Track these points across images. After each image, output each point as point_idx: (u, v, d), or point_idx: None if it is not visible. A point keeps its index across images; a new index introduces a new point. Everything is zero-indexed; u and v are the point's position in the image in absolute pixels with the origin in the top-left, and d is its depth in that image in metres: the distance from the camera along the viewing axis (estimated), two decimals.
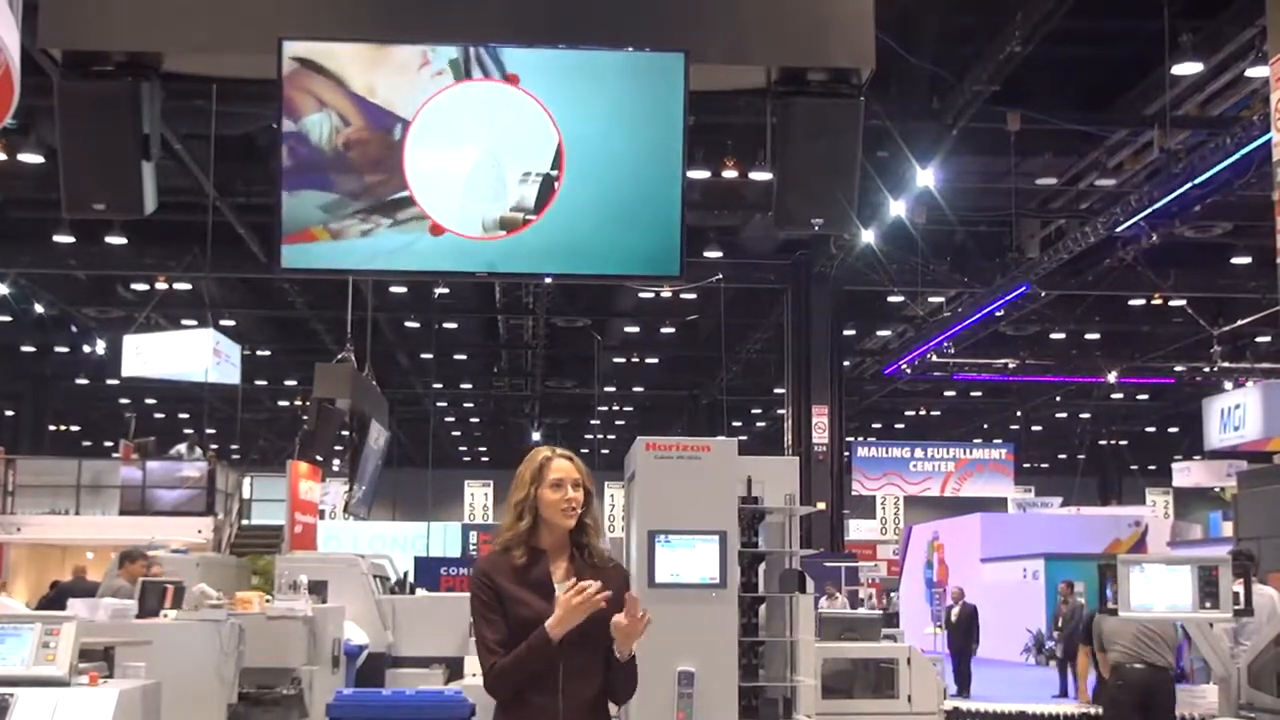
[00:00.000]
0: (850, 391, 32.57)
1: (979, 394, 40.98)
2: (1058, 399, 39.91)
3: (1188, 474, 33.74)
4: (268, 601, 10.35)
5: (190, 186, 18.88)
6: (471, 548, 37.46)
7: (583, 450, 46.06)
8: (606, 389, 38.59)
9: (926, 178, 18.65)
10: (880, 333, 33.52)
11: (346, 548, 21.00)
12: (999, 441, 41.82)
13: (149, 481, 22.09)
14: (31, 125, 17.64)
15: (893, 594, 32.73)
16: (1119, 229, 20.33)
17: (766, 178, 8.95)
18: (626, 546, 8.35)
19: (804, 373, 26.46)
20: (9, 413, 41.10)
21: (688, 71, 6.36)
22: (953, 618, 20.75)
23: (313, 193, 6.29)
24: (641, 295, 29.06)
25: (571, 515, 3.77)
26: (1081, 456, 45.28)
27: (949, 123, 17.61)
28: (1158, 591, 6.80)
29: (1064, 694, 19.26)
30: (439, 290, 27.46)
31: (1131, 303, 28.90)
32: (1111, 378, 33.58)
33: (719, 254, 24.53)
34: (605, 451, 40.54)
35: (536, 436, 42.46)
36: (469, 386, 41.87)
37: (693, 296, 28.08)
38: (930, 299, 27.36)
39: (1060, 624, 20.67)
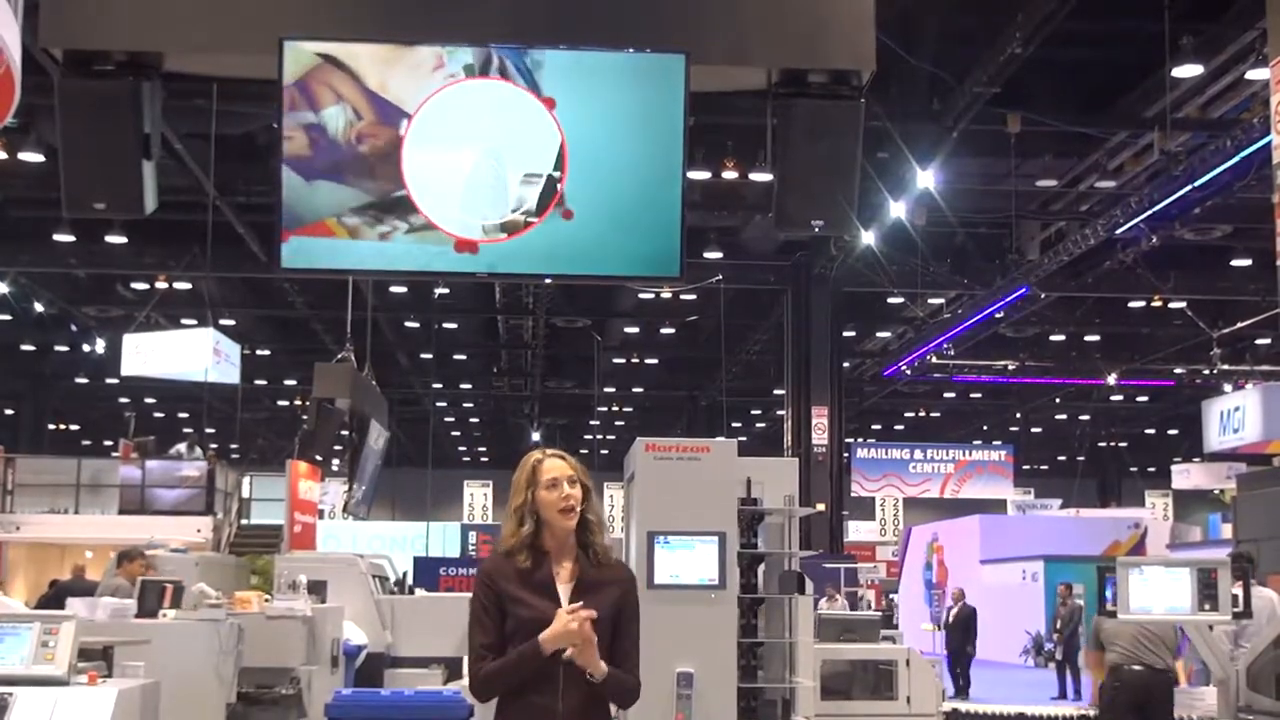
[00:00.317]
0: (850, 393, 32.59)
1: (979, 395, 40.99)
2: (1057, 401, 39.92)
3: (1187, 476, 33.72)
4: (267, 601, 10.35)
5: (190, 186, 18.89)
6: (471, 548, 37.45)
7: (582, 451, 46.21)
8: (606, 389, 38.60)
9: (927, 179, 18.66)
10: (880, 334, 33.53)
11: (346, 548, 20.99)
12: (998, 443, 41.84)
13: (148, 481, 22.09)
14: (32, 124, 17.64)
15: (892, 595, 32.73)
16: (1119, 231, 20.34)
17: (767, 179, 8.96)
18: (626, 547, 8.35)
19: (804, 374, 26.46)
20: (9, 411, 41.13)
21: (688, 72, 6.36)
22: (951, 618, 20.76)
23: (328, 183, 6.33)
24: (641, 296, 29.07)
25: (571, 514, 3.76)
26: (1081, 458, 45.26)
27: (949, 124, 17.62)
28: (1157, 593, 6.81)
29: (1063, 695, 19.27)
30: (439, 290, 27.47)
31: (1131, 305, 28.92)
32: (1111, 380, 33.59)
33: (719, 255, 24.54)
34: (605, 452, 40.53)
35: (536, 437, 42.46)
36: (469, 386, 41.88)
37: (693, 297, 28.09)
38: (930, 300, 27.37)
39: (1059, 626, 20.68)
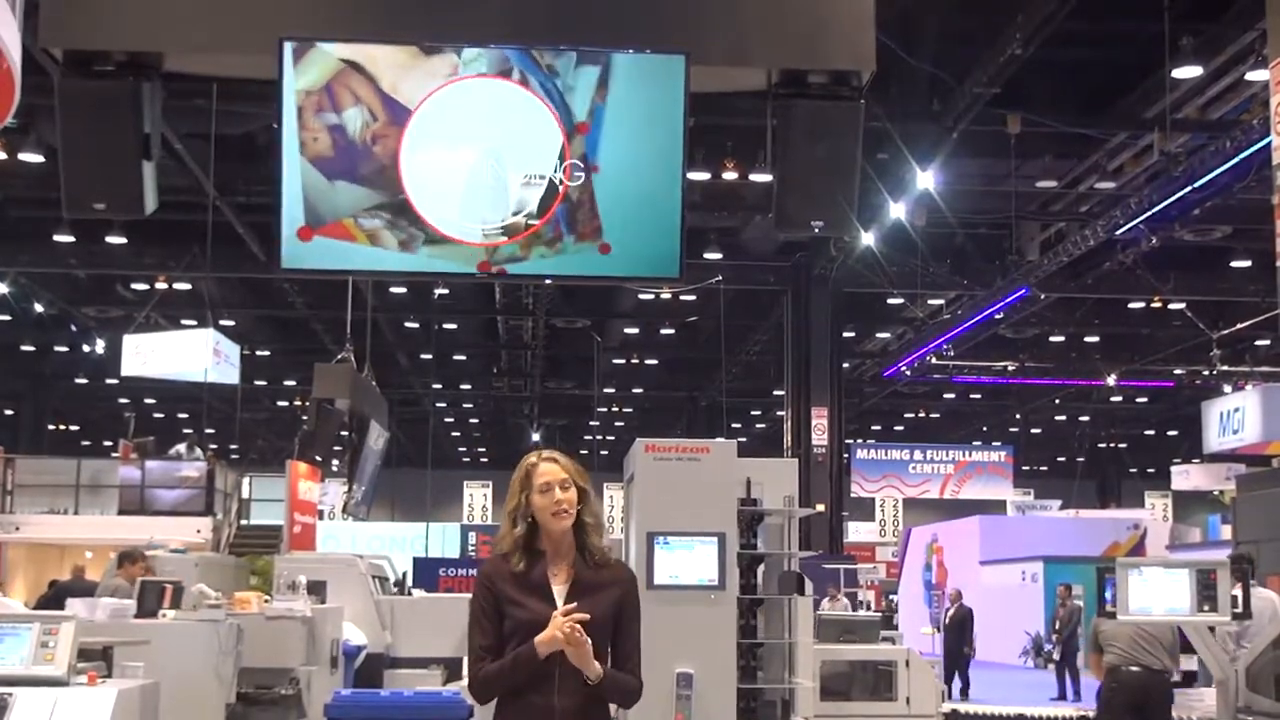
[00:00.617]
0: (850, 393, 32.56)
1: (978, 396, 40.98)
2: (1057, 402, 39.90)
3: (1187, 477, 33.72)
4: (266, 602, 10.35)
5: (190, 186, 18.88)
6: (470, 548, 37.48)
7: (582, 451, 46.25)
8: (606, 390, 38.58)
9: (926, 180, 18.65)
10: (880, 335, 33.52)
11: (345, 548, 20.99)
12: (998, 444, 41.82)
13: (148, 481, 22.08)
14: (32, 124, 17.63)
15: (892, 596, 32.72)
16: (1119, 232, 20.33)
17: (767, 179, 8.96)
18: (626, 548, 8.36)
19: (803, 374, 26.45)
20: (8, 412, 41.13)
21: (688, 73, 6.37)
22: (948, 620, 20.75)
23: (346, 184, 6.37)
24: (641, 296, 29.06)
25: (564, 517, 3.76)
26: (1080, 459, 45.24)
27: (949, 125, 17.61)
28: (1156, 594, 6.81)
29: (1062, 697, 19.27)
30: (438, 291, 27.47)
31: (1131, 306, 28.91)
32: (1111, 381, 33.58)
33: (719, 255, 24.54)
34: (604, 453, 40.51)
35: (536, 437, 42.46)
36: (468, 387, 41.87)
37: (692, 298, 28.08)
38: (930, 301, 27.36)
39: (1058, 627, 20.69)
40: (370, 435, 22.54)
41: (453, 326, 32.95)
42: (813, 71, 6.71)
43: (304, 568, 11.78)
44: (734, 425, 37.74)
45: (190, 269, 23.72)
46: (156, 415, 40.33)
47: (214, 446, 28.08)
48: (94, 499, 22.77)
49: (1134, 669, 8.12)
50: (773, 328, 29.23)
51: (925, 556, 33.38)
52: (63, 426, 44.84)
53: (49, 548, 23.40)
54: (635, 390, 41.91)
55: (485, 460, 54.40)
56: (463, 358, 37.16)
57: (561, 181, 6.40)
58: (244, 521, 24.20)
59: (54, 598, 14.12)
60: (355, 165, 6.34)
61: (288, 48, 6.26)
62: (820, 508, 23.30)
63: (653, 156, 6.48)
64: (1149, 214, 19.02)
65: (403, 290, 27.70)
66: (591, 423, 42.82)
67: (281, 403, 41.96)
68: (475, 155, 6.43)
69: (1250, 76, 16.36)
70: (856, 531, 41.84)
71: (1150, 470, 47.51)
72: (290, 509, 18.65)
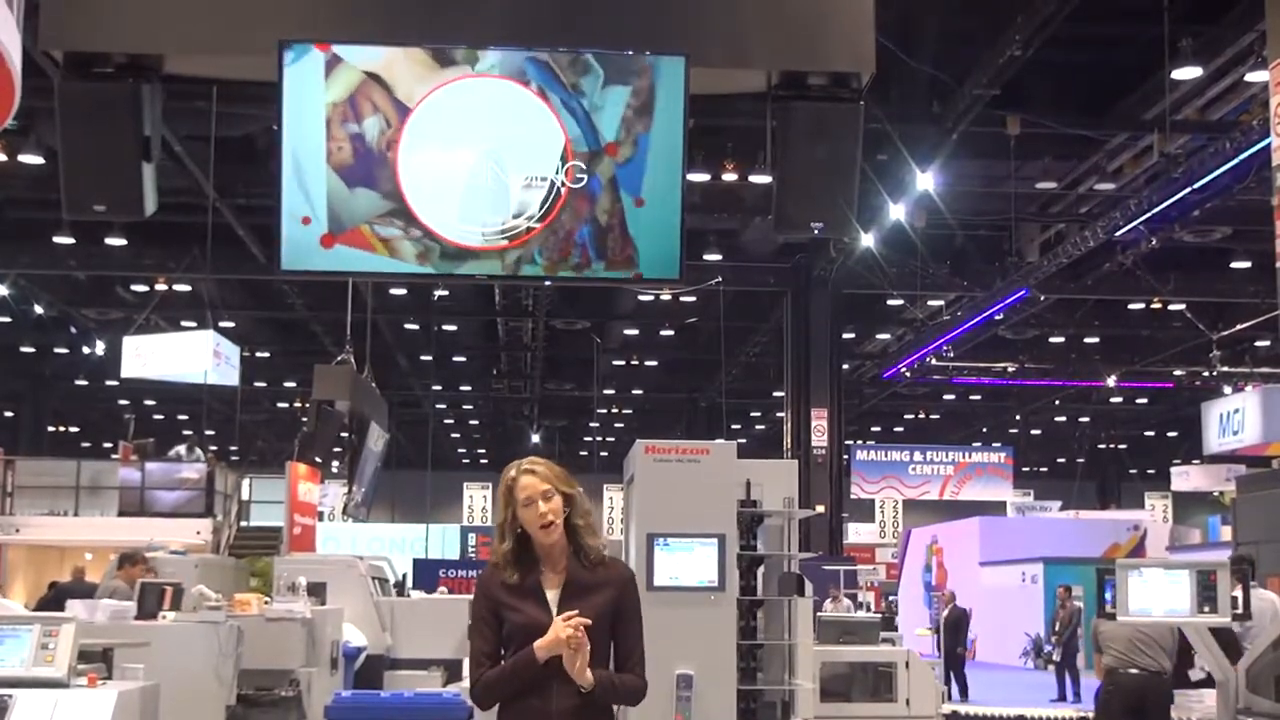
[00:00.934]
0: (849, 395, 32.56)
1: (978, 397, 40.98)
2: (1057, 403, 39.90)
3: (1186, 478, 33.73)
4: (266, 603, 10.34)
5: (190, 188, 18.89)
6: (470, 550, 37.48)
7: (581, 453, 46.30)
8: (605, 391, 38.57)
9: (926, 181, 18.65)
10: (879, 336, 33.52)
11: (345, 549, 21.00)
12: (998, 445, 41.83)
13: (148, 483, 22.09)
14: (32, 126, 17.63)
15: (891, 598, 32.72)
16: (1118, 233, 20.34)
17: (766, 181, 8.97)
18: (626, 549, 8.36)
19: (803, 376, 26.46)
20: (8, 413, 41.11)
21: (688, 74, 6.37)
22: (943, 622, 20.77)
23: (364, 190, 6.40)
24: (641, 298, 29.08)
25: (551, 529, 3.76)
26: (1080, 460, 45.26)
27: (949, 126, 17.62)
28: (1156, 596, 6.80)
29: (1062, 698, 19.26)
30: (438, 292, 27.49)
31: (1131, 307, 28.91)
32: (1111, 382, 33.58)
33: (718, 257, 24.54)
34: (604, 454, 40.53)
35: (535, 439, 42.47)
36: (468, 388, 41.86)
37: (692, 299, 28.08)
38: (929, 302, 27.37)
39: (1058, 628, 20.68)
40: (370, 437, 22.54)
41: (453, 328, 32.95)
42: (812, 73, 6.71)
43: (304, 569, 11.77)
44: (734, 427, 37.72)
45: (190, 270, 23.72)
46: (156, 417, 40.33)
47: (214, 448, 28.07)
48: (94, 501, 22.76)
49: (1131, 671, 8.12)
50: (772, 329, 29.24)
51: (925, 558, 33.37)
52: (63, 428, 44.84)
53: (49, 549, 23.39)
54: (635, 392, 41.90)
55: (485, 462, 54.37)
56: (462, 359, 37.15)
57: (563, 184, 6.39)
58: (244, 523, 24.23)
59: (54, 599, 14.12)
60: (371, 171, 6.39)
61: (319, 61, 6.32)
62: (820, 509, 23.29)
63: (670, 171, 6.50)
64: (1149, 215, 19.02)
65: (403, 292, 27.69)
66: (591, 424, 42.80)
67: (281, 404, 41.95)
68: (473, 156, 6.42)
69: (1250, 78, 16.36)
70: (856, 533, 41.84)
71: (1150, 471, 47.51)
72: (290, 510, 18.65)
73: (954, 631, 20.23)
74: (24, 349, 34.70)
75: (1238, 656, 7.10)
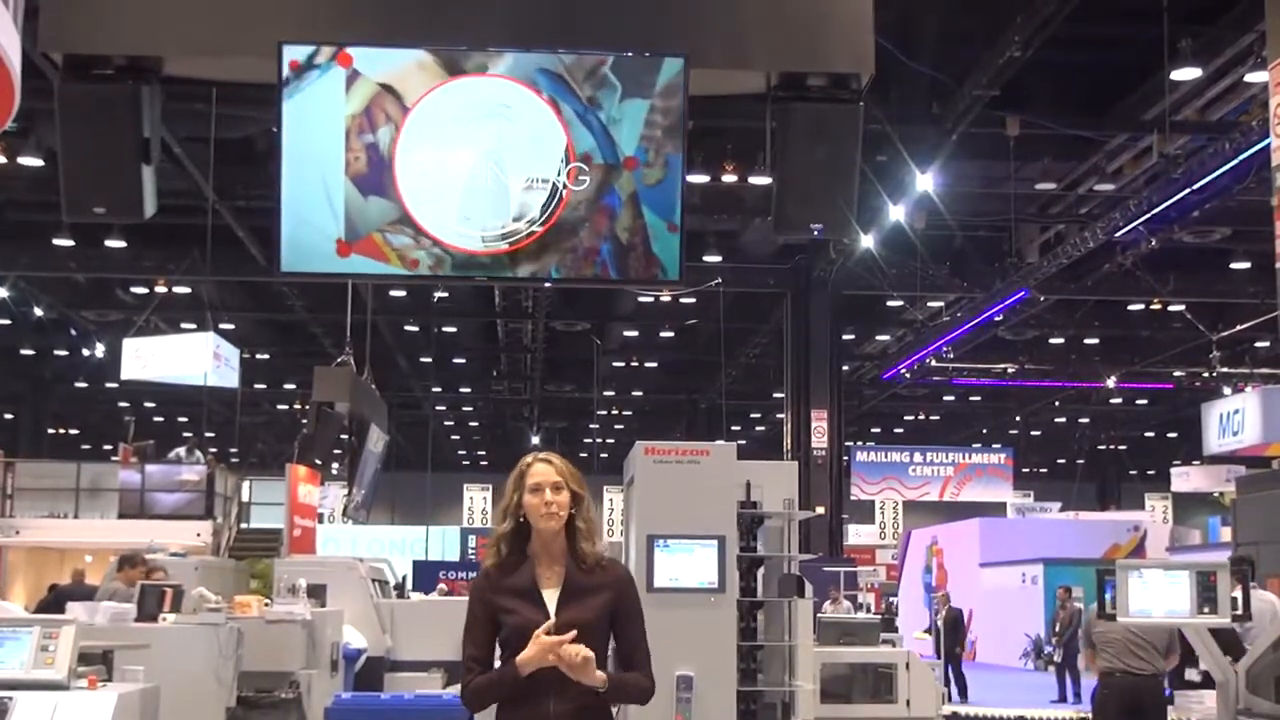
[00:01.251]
0: (849, 396, 32.56)
1: (978, 399, 40.98)
2: (1056, 404, 39.90)
3: (1186, 479, 33.73)
4: (266, 605, 10.33)
5: (190, 189, 18.89)
6: (470, 551, 37.48)
7: (581, 455, 46.28)
8: (605, 393, 38.57)
9: (926, 182, 18.65)
10: (879, 337, 33.52)
11: (345, 551, 21.04)
12: (998, 446, 41.81)
13: (148, 485, 22.09)
14: (31, 128, 17.63)
15: (892, 599, 32.70)
16: (1118, 234, 20.35)
17: (766, 182, 8.96)
18: (625, 551, 8.36)
19: (803, 377, 26.46)
20: (8, 415, 41.10)
21: (687, 75, 6.36)
22: (939, 622, 20.78)
23: (376, 198, 6.41)
24: (641, 299, 29.07)
25: (552, 519, 3.75)
26: (1080, 461, 45.27)
27: (948, 127, 17.62)
28: (1156, 597, 6.80)
29: (1062, 699, 19.26)
30: (438, 294, 27.48)
31: (1130, 308, 28.90)
32: (1110, 383, 33.59)
33: (718, 258, 24.54)
34: (604, 456, 40.50)
35: (535, 440, 42.44)
36: (468, 390, 41.86)
37: (692, 301, 28.08)
38: (929, 303, 27.37)
39: (1058, 629, 20.67)
40: (370, 438, 22.56)
41: (452, 329, 32.96)
42: (812, 74, 6.71)
43: (304, 571, 11.76)
44: (734, 428, 37.74)
45: (190, 272, 23.72)
46: (156, 419, 40.31)
47: (214, 450, 28.07)
48: (94, 503, 22.76)
49: (1125, 674, 8.10)
50: (772, 330, 29.24)
51: (925, 559, 33.36)
52: (62, 430, 44.83)
53: (49, 551, 23.39)
54: (635, 393, 41.91)
55: (485, 463, 54.38)
56: (462, 361, 37.15)
57: (565, 185, 6.38)
58: (244, 525, 24.22)
59: (54, 602, 14.11)
60: (380, 178, 6.41)
61: (341, 76, 6.34)
62: (820, 510, 23.29)
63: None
64: (1148, 216, 19.03)
65: (402, 293, 27.70)
66: (591, 425, 42.81)
67: (281, 406, 41.94)
68: (471, 156, 6.41)
69: (1249, 78, 16.36)
70: (856, 534, 41.85)
71: (1150, 472, 47.49)
72: (290, 512, 18.67)
73: (952, 632, 20.24)
74: (24, 351, 34.71)
75: (1241, 655, 7.09)
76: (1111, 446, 47.71)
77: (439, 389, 39.24)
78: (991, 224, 22.53)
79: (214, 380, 22.93)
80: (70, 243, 23.88)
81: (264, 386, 37.89)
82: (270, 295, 28.35)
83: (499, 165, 6.40)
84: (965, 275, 24.64)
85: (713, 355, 30.19)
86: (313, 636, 10.24)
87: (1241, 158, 16.42)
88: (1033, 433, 45.13)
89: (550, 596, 3.74)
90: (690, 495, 7.78)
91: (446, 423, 47.21)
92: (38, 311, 27.69)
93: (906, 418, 46.07)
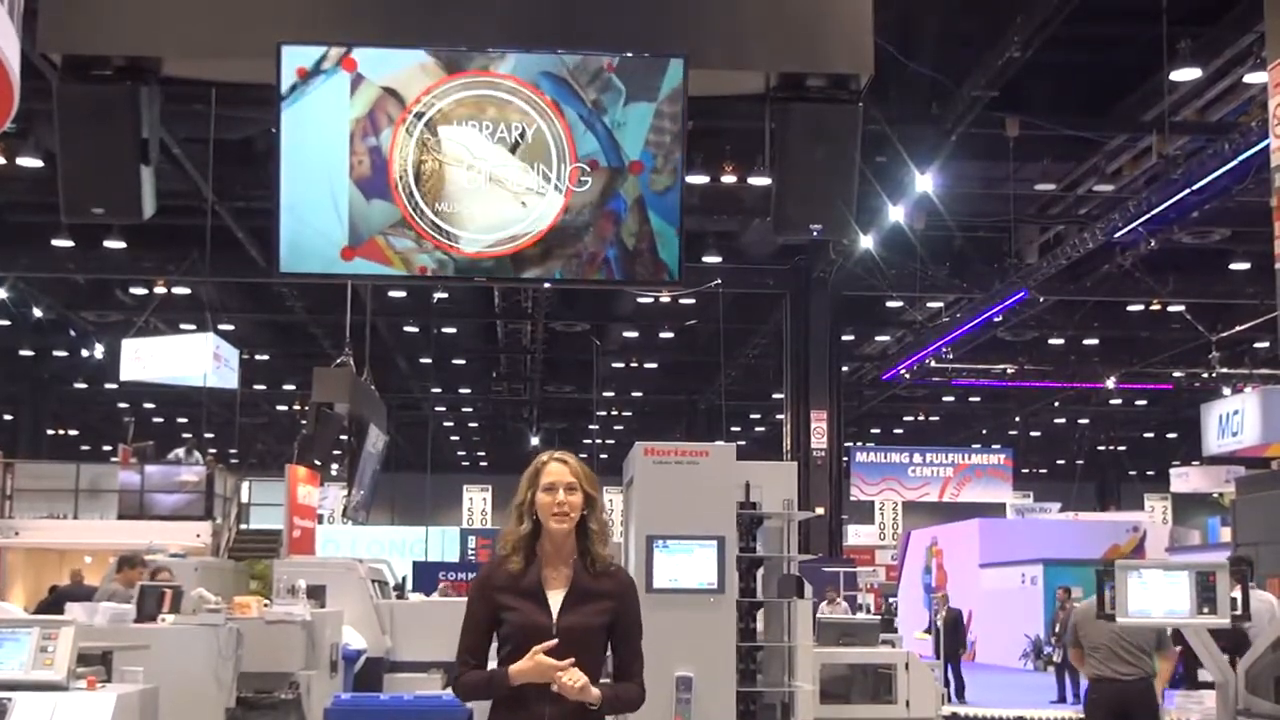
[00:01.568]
0: (849, 396, 32.56)
1: (977, 399, 40.98)
2: (1056, 404, 39.89)
3: (1186, 479, 33.74)
4: (266, 606, 10.33)
5: (189, 190, 18.88)
6: (470, 552, 37.43)
7: (581, 455, 46.15)
8: (605, 394, 38.56)
9: (925, 183, 18.65)
10: (879, 338, 33.52)
11: (345, 552, 21.03)
12: (997, 447, 41.82)
13: (147, 486, 22.09)
14: (31, 129, 17.63)
15: (891, 599, 32.70)
16: (1117, 235, 20.35)
17: (765, 183, 8.96)
18: (625, 551, 8.36)
19: (803, 378, 26.45)
20: (7, 416, 41.07)
21: (687, 76, 6.36)
22: (938, 623, 20.77)
23: (378, 200, 6.41)
24: (640, 300, 29.07)
25: (563, 519, 3.74)
26: (1080, 462, 45.25)
27: (948, 128, 17.62)
28: (1155, 597, 6.79)
29: (1062, 699, 19.24)
30: (438, 295, 27.48)
31: (1130, 308, 28.89)
32: (1110, 383, 33.59)
33: (718, 259, 24.54)
34: (604, 456, 40.41)
35: (535, 441, 42.42)
36: (468, 391, 41.85)
37: (691, 301, 28.07)
38: (929, 304, 27.37)
39: (1058, 629, 20.66)
40: (369, 439, 22.56)
41: (452, 330, 32.95)
42: (811, 75, 6.71)
43: (303, 572, 11.75)
44: (733, 429, 37.72)
45: (189, 273, 23.72)
46: (156, 420, 40.32)
47: (213, 451, 28.08)
48: (93, 504, 22.75)
49: (1112, 679, 8.06)
50: (772, 331, 29.23)
51: (925, 559, 33.37)
52: (62, 431, 44.81)
53: (48, 553, 23.39)
54: (634, 394, 41.90)
55: (484, 464, 54.38)
56: (462, 361, 37.15)
57: (565, 188, 6.38)
58: (243, 526, 24.19)
59: (53, 603, 14.10)
60: (382, 181, 6.41)
61: (346, 80, 6.35)
62: (819, 511, 23.30)
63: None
64: (1148, 216, 19.04)
65: (402, 294, 27.70)
66: (591, 426, 42.79)
67: (281, 407, 41.92)
68: (472, 158, 6.41)
69: (1249, 79, 16.36)
70: (856, 535, 41.86)
71: (1150, 473, 47.49)
72: (289, 513, 18.66)
73: (952, 632, 20.24)
74: (23, 352, 34.70)
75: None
76: (1111, 447, 47.71)
77: (438, 390, 39.23)
78: (991, 225, 22.53)
79: (213, 381, 22.93)
80: (69, 243, 23.87)
81: (263, 387, 37.87)
82: (270, 296, 28.35)
83: (499, 166, 6.39)
84: (965, 276, 24.64)
85: (712, 356, 30.19)
86: (312, 637, 10.23)
87: (1241, 158, 16.43)
88: (1032, 433, 45.14)
89: (555, 598, 3.72)
90: (690, 496, 7.78)
91: (446, 423, 47.20)
92: (37, 312, 27.69)
93: (906, 418, 46.06)
